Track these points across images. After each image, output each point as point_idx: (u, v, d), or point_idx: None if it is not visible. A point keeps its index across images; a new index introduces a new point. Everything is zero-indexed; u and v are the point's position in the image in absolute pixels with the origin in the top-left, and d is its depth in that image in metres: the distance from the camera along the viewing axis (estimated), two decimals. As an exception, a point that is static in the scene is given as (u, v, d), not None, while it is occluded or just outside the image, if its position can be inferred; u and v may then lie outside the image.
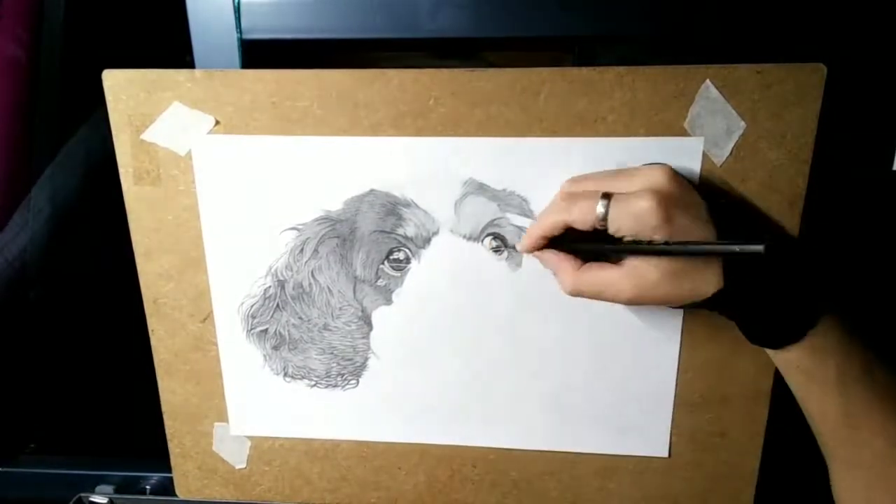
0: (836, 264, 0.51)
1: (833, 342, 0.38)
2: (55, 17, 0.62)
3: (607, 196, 0.38)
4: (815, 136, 0.40)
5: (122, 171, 0.46)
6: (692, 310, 0.44)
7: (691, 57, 0.40)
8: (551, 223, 0.40)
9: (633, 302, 0.39)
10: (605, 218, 0.38)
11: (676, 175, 0.38)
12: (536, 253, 0.42)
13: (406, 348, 0.48)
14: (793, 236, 0.43)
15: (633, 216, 0.37)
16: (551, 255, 0.42)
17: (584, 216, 0.39)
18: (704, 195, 0.39)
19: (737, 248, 0.36)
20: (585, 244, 0.41)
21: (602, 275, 0.39)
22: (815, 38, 0.45)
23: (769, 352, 0.41)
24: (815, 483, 0.43)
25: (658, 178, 0.38)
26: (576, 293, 0.41)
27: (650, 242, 0.37)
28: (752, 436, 0.47)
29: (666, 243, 0.37)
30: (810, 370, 0.39)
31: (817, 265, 0.38)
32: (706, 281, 0.38)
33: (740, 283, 0.38)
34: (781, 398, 0.42)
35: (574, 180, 0.42)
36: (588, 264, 0.40)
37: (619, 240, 0.38)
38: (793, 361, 0.39)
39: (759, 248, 0.34)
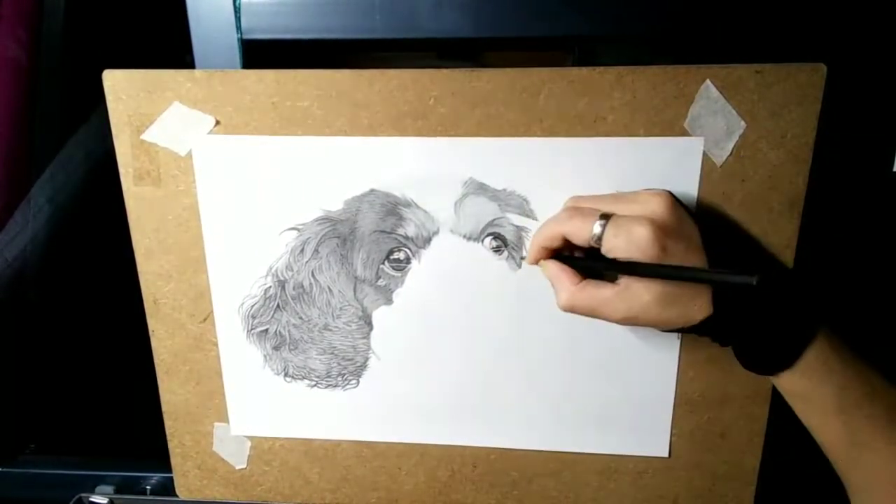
0: (831, 282, 0.51)
1: (829, 367, 0.38)
2: (55, 17, 0.62)
3: (606, 217, 0.38)
4: (815, 136, 0.40)
5: (122, 171, 0.46)
6: (686, 335, 0.45)
7: (691, 57, 0.40)
8: (549, 233, 0.41)
9: (625, 322, 0.40)
10: (599, 238, 0.38)
11: (675, 203, 0.38)
12: (540, 262, 0.43)
13: (406, 348, 0.48)
14: (786, 267, 0.42)
15: (628, 240, 0.37)
16: (553, 266, 0.42)
17: (580, 231, 0.39)
18: (699, 220, 0.39)
19: (730, 277, 0.36)
20: (584, 260, 0.41)
21: (597, 293, 0.39)
22: (815, 38, 0.45)
23: (770, 378, 0.40)
24: (815, 483, 0.43)
25: (657, 207, 0.38)
26: (569, 308, 0.40)
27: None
28: (752, 436, 0.47)
29: (661, 266, 0.37)
30: (808, 396, 0.39)
31: (809, 291, 0.38)
32: (695, 307, 0.38)
33: (729, 310, 0.38)
34: (781, 398, 0.42)
35: (579, 197, 0.42)
36: (585, 281, 0.40)
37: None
38: (789, 387, 0.39)
39: (752, 279, 0.34)
